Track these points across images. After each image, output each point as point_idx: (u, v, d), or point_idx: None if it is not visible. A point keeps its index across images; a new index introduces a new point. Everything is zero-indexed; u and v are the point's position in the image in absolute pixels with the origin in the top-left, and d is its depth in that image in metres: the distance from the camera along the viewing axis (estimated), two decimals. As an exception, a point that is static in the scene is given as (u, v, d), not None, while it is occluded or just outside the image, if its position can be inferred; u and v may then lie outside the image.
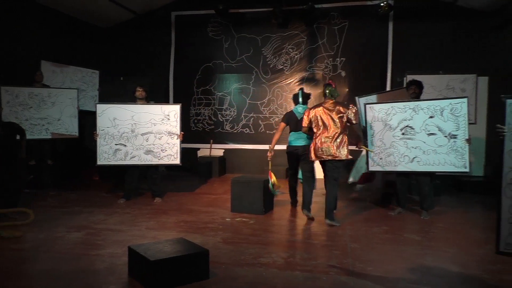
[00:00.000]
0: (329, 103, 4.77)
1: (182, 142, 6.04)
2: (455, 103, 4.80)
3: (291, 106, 8.60)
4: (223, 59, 8.97)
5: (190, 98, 9.09)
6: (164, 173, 8.02)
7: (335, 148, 4.63)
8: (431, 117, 4.89)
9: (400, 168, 5.09)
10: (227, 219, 5.01)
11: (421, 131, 4.94)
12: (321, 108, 4.80)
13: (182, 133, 6.01)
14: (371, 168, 5.28)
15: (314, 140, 4.88)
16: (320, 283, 3.13)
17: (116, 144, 5.86)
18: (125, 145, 5.87)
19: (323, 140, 4.72)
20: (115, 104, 5.90)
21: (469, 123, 4.85)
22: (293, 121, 5.54)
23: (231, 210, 5.36)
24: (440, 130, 4.85)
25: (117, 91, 8.10)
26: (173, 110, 6.00)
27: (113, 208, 5.52)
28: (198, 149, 9.03)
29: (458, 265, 3.52)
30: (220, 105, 9.02)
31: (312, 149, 4.90)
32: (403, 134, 5.04)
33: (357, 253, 3.80)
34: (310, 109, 4.98)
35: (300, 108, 5.50)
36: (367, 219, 5.08)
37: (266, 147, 8.73)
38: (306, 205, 4.98)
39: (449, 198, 6.33)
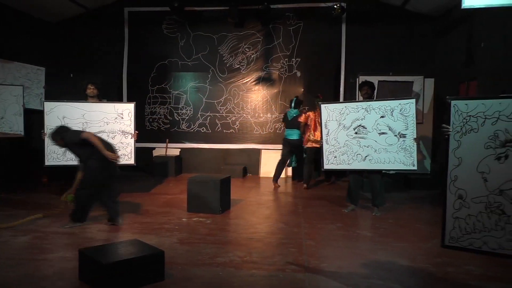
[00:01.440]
0: (318, 110, 5.78)
1: (136, 141, 5.90)
2: (404, 104, 5.00)
3: (247, 105, 8.69)
4: (179, 57, 8.85)
5: (145, 96, 8.88)
6: (118, 173, 7.78)
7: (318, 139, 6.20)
8: (382, 116, 5.07)
9: (353, 166, 5.24)
10: (183, 219, 4.95)
11: (373, 130, 5.11)
12: (313, 112, 6.89)
13: (137, 132, 5.87)
14: (326, 167, 5.40)
15: (307, 133, 7.00)
16: (277, 280, 3.16)
17: (66, 144, 5.61)
18: (75, 145, 5.63)
19: (313, 134, 6.89)
20: (65, 102, 5.65)
21: (417, 123, 5.07)
22: (287, 121, 7.31)
23: (187, 210, 5.29)
24: (390, 129, 5.04)
25: (66, 89, 7.76)
26: (127, 109, 5.84)
27: (62, 210, 5.29)
28: (154, 148, 8.85)
29: (406, 259, 3.68)
30: (176, 103, 8.88)
31: (306, 139, 7.06)
32: (356, 133, 5.19)
33: (312, 250, 3.87)
34: (307, 112, 7.10)
35: (292, 112, 7.24)
36: (322, 216, 5.20)
37: (223, 146, 8.76)
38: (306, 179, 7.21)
39: (399, 195, 6.60)
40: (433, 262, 3.57)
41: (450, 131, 2.63)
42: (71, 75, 8.72)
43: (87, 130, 5.64)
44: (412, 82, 7.30)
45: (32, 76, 7.59)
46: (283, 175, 8.46)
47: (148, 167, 8.36)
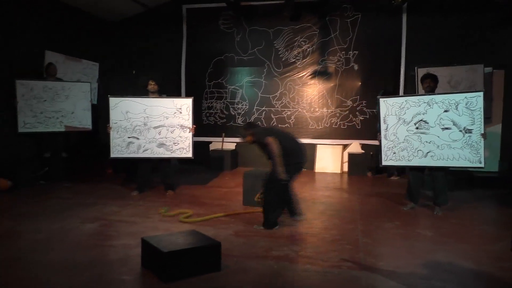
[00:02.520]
0: None
1: (194, 135, 6.06)
2: (471, 97, 4.73)
3: (303, 100, 8.62)
4: (235, 52, 8.96)
5: (202, 91, 9.10)
6: (177, 167, 8.07)
7: None
8: (445, 111, 4.83)
9: (414, 162, 5.04)
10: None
11: (436, 125, 4.88)
12: None
13: (194, 126, 6.03)
14: (384, 163, 5.25)
15: None
16: (332, 277, 3.13)
17: (129, 137, 5.91)
18: (137, 138, 5.92)
19: None
20: (128, 98, 5.94)
21: (485, 117, 4.78)
22: None
23: (242, 203, 5.37)
24: (454, 124, 4.79)
25: (128, 85, 8.15)
26: (185, 104, 6.02)
27: (126, 200, 5.59)
28: (210, 142, 9.06)
29: (470, 262, 3.48)
30: (232, 98, 9.02)
31: None
32: (417, 128, 4.99)
33: (369, 248, 3.78)
34: None
35: None
36: (379, 214, 5.06)
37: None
38: None
39: (462, 194, 6.26)
40: (500, 267, 3.35)
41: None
42: (134, 72, 9.14)
43: (148, 124, 5.91)
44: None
45: (88, 71, 8.04)
46: (338, 169, 8.32)
47: (205, 161, 8.57)
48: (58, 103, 6.75)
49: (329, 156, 8.49)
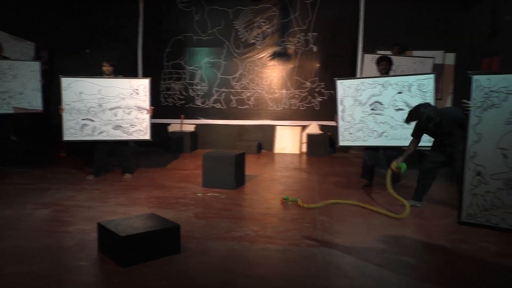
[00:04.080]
0: None
1: (152, 117, 5.93)
2: (422, 79, 4.90)
3: (262, 81, 8.62)
4: (194, 32, 8.77)
5: (160, 72, 8.87)
6: (134, 149, 7.90)
7: None
8: (399, 92, 4.98)
9: (369, 142, 5.20)
10: (198, 194, 5.01)
11: (390, 107, 5.03)
12: None
13: (152, 107, 5.90)
14: (341, 143, 5.37)
15: None
16: (291, 255, 3.20)
17: (83, 119, 5.69)
18: (92, 120, 5.71)
19: None
20: (81, 78, 5.69)
21: (436, 99, 4.97)
22: None
23: (202, 185, 5.35)
24: (407, 105, 4.95)
25: (82, 65, 7.81)
26: (142, 84, 5.86)
27: (81, 184, 5.41)
28: (169, 124, 8.91)
29: (422, 235, 3.67)
30: (191, 79, 8.86)
31: None
32: (372, 109, 5.12)
33: (326, 225, 3.90)
34: None
35: None
36: (337, 192, 5.20)
37: (237, 122, 8.76)
38: None
39: (415, 172, 6.53)
40: (449, 239, 3.55)
41: (470, 107, 2.57)
42: (87, 51, 8.76)
43: (103, 105, 5.71)
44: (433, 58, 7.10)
45: (25, 51, 7.62)
46: (297, 150, 8.46)
47: (163, 143, 8.43)
48: (5, 83, 6.35)
49: (288, 137, 8.59)
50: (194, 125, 8.87)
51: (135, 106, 5.83)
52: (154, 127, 6.17)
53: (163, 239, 3.09)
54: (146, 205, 4.51)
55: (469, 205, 2.62)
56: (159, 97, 8.85)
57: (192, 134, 8.69)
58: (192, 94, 8.87)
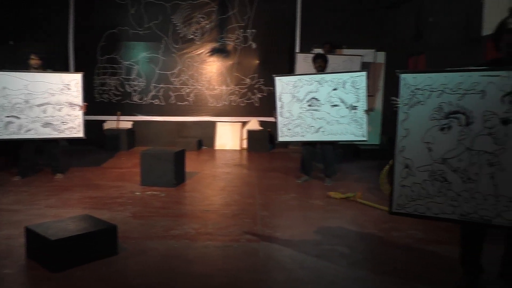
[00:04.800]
0: None
1: (85, 113, 5.65)
2: (356, 77, 5.11)
3: (202, 77, 8.53)
4: (130, 25, 8.45)
5: (94, 66, 8.46)
6: (66, 148, 7.49)
7: None
8: (334, 89, 5.15)
9: (307, 138, 5.33)
10: (136, 193, 4.86)
11: (326, 103, 5.20)
12: None
13: (85, 104, 5.61)
14: (280, 139, 5.46)
15: None
16: (231, 251, 3.21)
17: (7, 117, 5.28)
18: (18, 118, 5.32)
19: None
20: (4, 72, 5.28)
21: (368, 95, 5.21)
22: None
23: (141, 183, 5.20)
24: (342, 101, 5.14)
25: (5, 58, 7.25)
26: (74, 79, 5.55)
27: (7, 186, 5.04)
28: (104, 121, 8.54)
29: (356, 225, 3.85)
30: (127, 74, 8.54)
31: None
32: (309, 105, 5.25)
33: (266, 220, 3.95)
34: None
35: None
36: (276, 187, 5.29)
37: (177, 118, 8.60)
38: None
39: (350, 165, 6.83)
40: (380, 228, 3.76)
41: (398, 104, 2.72)
42: (11, 43, 8.13)
43: (30, 101, 5.34)
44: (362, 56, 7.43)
45: None
46: (237, 146, 8.50)
47: (98, 141, 8.07)
48: None
49: (228, 133, 8.59)
50: (131, 122, 8.58)
51: (66, 102, 5.51)
52: (88, 125, 5.88)
53: (98, 241, 2.96)
54: (80, 206, 4.30)
55: (398, 196, 2.77)
56: (93, 92, 8.44)
57: (129, 131, 8.40)
58: (129, 90, 8.56)
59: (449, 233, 3.43)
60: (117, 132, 8.19)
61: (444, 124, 2.56)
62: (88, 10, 8.38)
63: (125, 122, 8.51)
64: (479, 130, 2.43)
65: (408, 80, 2.73)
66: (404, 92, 2.73)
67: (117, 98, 8.56)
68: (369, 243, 3.51)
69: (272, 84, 5.49)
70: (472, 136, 2.45)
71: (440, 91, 2.58)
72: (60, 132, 5.51)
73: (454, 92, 2.52)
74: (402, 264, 3.02)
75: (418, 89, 2.68)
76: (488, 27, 4.76)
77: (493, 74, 2.38)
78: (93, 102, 8.10)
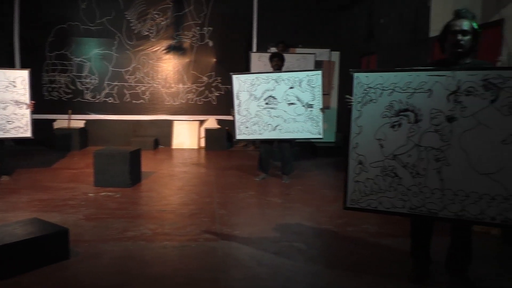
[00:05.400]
0: None
1: (33, 112, 5.38)
2: (311, 75, 5.20)
3: (158, 75, 8.37)
4: (81, 21, 8.13)
5: (42, 63, 8.07)
6: (12, 148, 7.11)
7: None
8: (291, 87, 5.22)
9: (264, 136, 5.37)
10: (90, 195, 4.70)
11: (283, 101, 5.25)
12: None
13: (33, 102, 5.34)
14: (238, 137, 5.46)
15: None
16: (189, 250, 3.18)
17: None
18: (-42, 116, 4.99)
19: None
20: None
21: (323, 94, 5.32)
22: None
23: (94, 184, 5.02)
24: (299, 100, 5.22)
25: None
26: (20, 76, 5.26)
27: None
28: (54, 120, 8.18)
29: (312, 222, 3.93)
30: (78, 71, 8.22)
31: None
32: (266, 103, 5.29)
33: (225, 219, 3.94)
34: None
35: None
36: (234, 186, 5.29)
37: (132, 117, 8.39)
38: None
39: (307, 162, 6.95)
40: (336, 223, 3.86)
41: (352, 102, 2.79)
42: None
43: (-28, 99, 5.02)
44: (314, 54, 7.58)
45: None
46: (195, 145, 8.42)
47: (48, 141, 7.72)
48: None
49: (186, 132, 8.49)
50: (83, 121, 8.27)
51: (12, 101, 5.22)
52: (37, 124, 5.61)
53: (47, 245, 2.83)
54: (28, 210, 4.09)
55: (352, 191, 2.85)
56: (42, 90, 8.06)
57: (82, 131, 8.10)
58: (80, 88, 8.24)
59: (400, 227, 3.57)
60: (68, 132, 7.87)
61: (395, 122, 2.66)
62: (35, 3, 7.98)
63: (77, 121, 8.20)
64: (426, 127, 2.54)
65: (361, 79, 2.81)
66: (357, 91, 2.81)
67: (68, 96, 8.22)
68: (325, 238, 3.60)
69: (229, 82, 5.48)
70: (420, 133, 2.56)
71: (391, 90, 2.68)
72: (6, 132, 5.21)
73: (404, 91, 2.62)
74: (357, 258, 3.12)
75: (371, 87, 2.76)
76: (435, 29, 5.01)
77: (439, 74, 2.50)
78: (41, 100, 7.75)
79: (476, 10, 4.05)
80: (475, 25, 2.53)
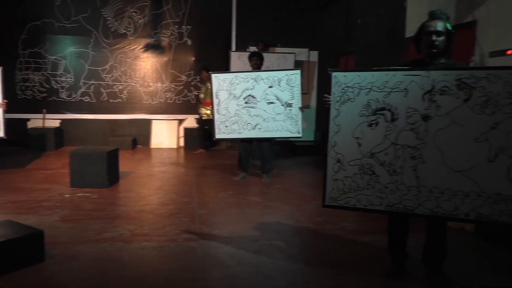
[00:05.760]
0: None
1: (6, 111, 5.23)
2: (290, 75, 5.22)
3: (136, 74, 8.25)
4: (55, 18, 7.94)
5: (15, 61, 7.85)
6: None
7: None
8: (270, 87, 5.23)
9: (244, 135, 5.37)
10: (66, 196, 4.60)
11: (262, 100, 5.26)
12: None
13: (5, 101, 5.20)
14: (217, 136, 5.44)
15: None
16: (168, 251, 3.15)
17: None
18: None
19: None
20: None
21: (302, 93, 5.35)
22: None
23: (70, 185, 4.92)
24: (278, 99, 5.24)
25: None
26: (-8, 74, 5.12)
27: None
28: (29, 119, 7.97)
29: (292, 220, 3.95)
30: (53, 70, 8.04)
31: None
32: (246, 103, 5.29)
33: (204, 218, 3.93)
34: None
35: None
36: (214, 185, 5.28)
37: (109, 116, 8.25)
38: None
39: (286, 161, 6.99)
40: (315, 221, 3.89)
41: (331, 101, 2.82)
42: None
43: None
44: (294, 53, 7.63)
45: None
46: (174, 144, 8.35)
47: (22, 141, 7.52)
48: None
49: (165, 131, 8.41)
50: (59, 120, 8.09)
51: (-17, 99, 5.07)
52: (10, 123, 5.46)
53: (22, 247, 2.76)
54: (1, 212, 3.97)
55: (331, 189, 2.88)
56: (15, 89, 7.85)
57: (57, 130, 7.92)
58: (55, 86, 8.06)
59: (378, 224, 3.63)
60: (43, 131, 7.68)
61: (372, 120, 2.70)
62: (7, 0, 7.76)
63: (52, 121, 8.02)
64: (402, 126, 2.59)
65: (339, 78, 2.84)
66: (335, 90, 2.83)
67: (42, 95, 8.03)
68: (304, 237, 3.62)
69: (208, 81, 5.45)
70: (396, 131, 2.61)
71: (368, 89, 2.72)
72: (-23, 132, 5.06)
73: (381, 90, 2.67)
74: (336, 255, 3.15)
75: (348, 87, 2.79)
76: (410, 29, 5.11)
77: (414, 74, 2.55)
78: (15, 99, 7.56)
79: (450, 12, 4.15)
80: (449, 26, 2.59)
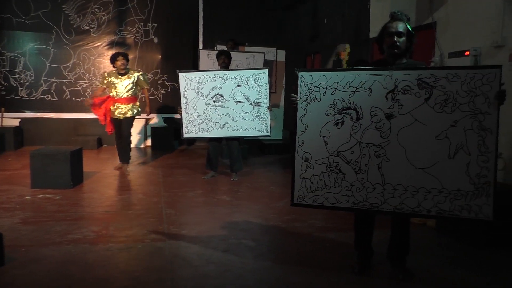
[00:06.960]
0: None
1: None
2: (258, 74, 5.23)
3: (100, 72, 8.03)
4: (13, 13, 7.62)
5: (-30, 57, 7.50)
6: None
7: None
8: (238, 86, 5.23)
9: (213, 134, 5.33)
10: (26, 197, 4.44)
11: (230, 99, 5.25)
12: None
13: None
14: (186, 135, 5.39)
15: None
16: (135, 252, 3.10)
17: None
18: None
19: None
20: None
21: (270, 92, 5.38)
22: None
23: (31, 186, 4.75)
24: (246, 98, 5.24)
25: None
26: None
27: None
28: (-15, 119, 7.63)
29: (261, 219, 3.97)
30: (12, 67, 7.71)
31: None
32: (214, 102, 5.27)
33: (173, 218, 3.88)
34: None
35: None
36: (182, 184, 5.22)
37: (73, 115, 8.00)
38: None
39: (255, 160, 7.01)
40: (284, 219, 3.93)
41: (297, 100, 2.85)
42: None
43: None
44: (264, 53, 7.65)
45: None
46: (141, 144, 8.21)
47: (-21, 141, 7.18)
48: None
49: (132, 130, 8.22)
50: (18, 119, 7.78)
51: None
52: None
53: (-20, 253, 2.64)
54: (-44, 215, 3.79)
55: (299, 188, 2.91)
56: (-29, 87, 7.48)
57: (17, 130, 7.61)
58: (14, 84, 7.74)
59: (345, 221, 3.71)
60: (1, 131, 7.36)
61: (338, 119, 2.75)
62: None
63: (11, 120, 7.69)
64: (367, 125, 2.65)
65: (306, 78, 2.87)
66: (302, 89, 2.87)
67: (0, 93, 7.68)
68: (273, 234, 3.65)
69: (176, 79, 5.39)
70: (361, 130, 2.67)
71: (334, 89, 2.76)
72: None
73: (346, 90, 2.72)
74: (304, 252, 3.19)
75: (315, 86, 2.83)
76: (374, 30, 5.24)
77: (377, 74, 2.62)
78: (-30, 97, 7.19)
79: (410, 13, 4.28)
80: (409, 27, 2.68)
